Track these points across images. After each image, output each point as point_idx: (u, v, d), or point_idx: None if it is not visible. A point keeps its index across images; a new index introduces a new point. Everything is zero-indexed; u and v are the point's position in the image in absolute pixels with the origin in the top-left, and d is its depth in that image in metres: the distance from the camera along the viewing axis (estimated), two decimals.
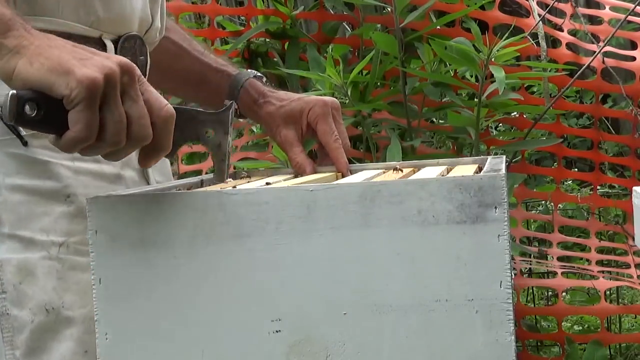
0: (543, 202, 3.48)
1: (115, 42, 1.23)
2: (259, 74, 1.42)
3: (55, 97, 0.84)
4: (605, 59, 2.82)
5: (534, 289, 3.48)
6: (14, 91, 0.83)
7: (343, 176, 1.27)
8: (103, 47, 1.20)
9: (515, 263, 2.70)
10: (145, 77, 1.31)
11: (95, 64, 0.85)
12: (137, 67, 0.90)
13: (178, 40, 1.49)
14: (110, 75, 0.85)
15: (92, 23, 1.18)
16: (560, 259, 2.99)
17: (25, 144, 1.14)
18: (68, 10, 1.14)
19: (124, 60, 0.88)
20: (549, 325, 3.34)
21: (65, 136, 0.86)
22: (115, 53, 1.22)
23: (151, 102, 0.90)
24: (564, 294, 3.25)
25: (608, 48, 2.82)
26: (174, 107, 0.94)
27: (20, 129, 1.13)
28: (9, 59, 0.87)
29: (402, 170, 1.23)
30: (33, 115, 0.84)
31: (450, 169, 1.20)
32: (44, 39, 0.89)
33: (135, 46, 1.28)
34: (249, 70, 1.43)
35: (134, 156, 1.25)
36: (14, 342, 1.13)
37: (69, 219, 1.16)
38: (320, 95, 2.46)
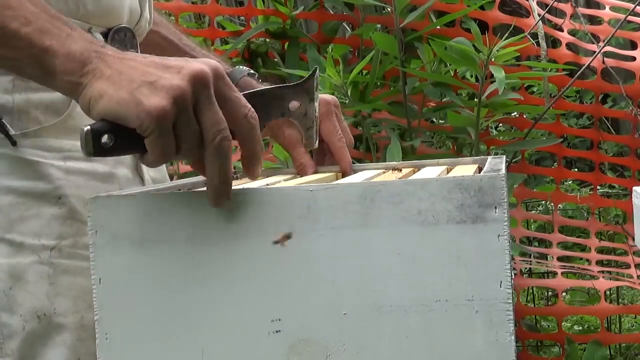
0: (543, 202, 3.49)
1: (105, 35, 1.21)
2: (252, 71, 1.41)
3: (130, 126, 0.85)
4: (605, 59, 2.82)
5: (534, 289, 3.48)
6: (88, 127, 0.84)
7: (344, 175, 1.27)
8: None
9: (515, 263, 2.70)
10: None
11: (164, 86, 0.84)
12: (219, 68, 0.88)
13: (167, 34, 1.48)
14: (179, 97, 0.84)
15: (81, 15, 1.16)
16: (560, 259, 2.99)
17: (14, 143, 1.11)
18: (56, 2, 1.11)
19: (197, 69, 0.86)
20: (549, 325, 3.34)
21: (147, 158, 0.87)
22: None
23: (232, 108, 0.88)
24: (564, 294, 3.25)
25: (608, 48, 2.83)
26: (255, 91, 0.93)
27: (9, 127, 1.10)
28: (84, 94, 0.88)
29: (401, 170, 1.23)
30: (110, 144, 0.85)
31: (450, 169, 1.20)
32: (117, 63, 0.88)
33: (126, 39, 1.26)
34: (242, 67, 1.41)
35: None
36: (4, 349, 1.10)
37: (60, 222, 1.13)
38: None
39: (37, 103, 1.14)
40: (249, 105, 0.89)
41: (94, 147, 0.85)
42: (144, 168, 1.28)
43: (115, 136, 0.85)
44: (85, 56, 0.89)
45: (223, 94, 0.88)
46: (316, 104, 1.13)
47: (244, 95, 0.92)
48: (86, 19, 1.18)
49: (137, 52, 1.30)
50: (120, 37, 1.25)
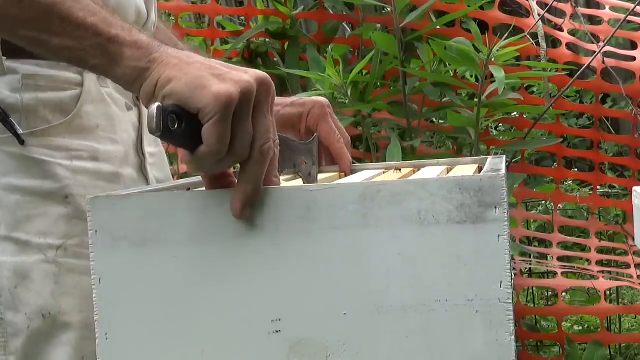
0: (543, 202, 3.48)
1: None
2: None
3: (192, 112, 0.85)
4: (605, 59, 2.82)
5: (534, 289, 3.48)
6: (159, 103, 0.85)
7: (345, 175, 1.27)
8: None
9: (515, 263, 2.70)
10: None
11: (233, 79, 0.86)
12: (273, 84, 0.89)
13: (164, 40, 1.48)
14: (246, 89, 0.85)
15: None
16: (560, 259, 2.99)
17: (22, 142, 1.11)
18: None
19: (262, 75, 0.88)
20: (549, 325, 3.34)
21: (199, 151, 0.86)
22: None
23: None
24: (564, 294, 3.25)
25: (608, 48, 2.83)
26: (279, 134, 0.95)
27: (17, 126, 1.11)
28: (152, 78, 0.89)
29: (401, 170, 1.23)
30: (175, 128, 0.85)
31: (450, 169, 1.20)
32: (183, 56, 0.90)
33: None
34: None
35: (132, 153, 1.25)
36: (9, 347, 1.11)
37: (66, 221, 1.14)
38: (320, 95, 2.47)
39: (46, 102, 1.14)
40: (276, 137, 0.91)
41: (163, 125, 0.84)
42: (149, 168, 1.29)
43: (179, 120, 0.85)
44: (152, 45, 0.91)
45: (270, 107, 0.90)
46: (316, 168, 1.17)
47: None
48: None
49: None
50: None
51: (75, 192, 1.14)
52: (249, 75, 0.87)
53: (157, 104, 0.84)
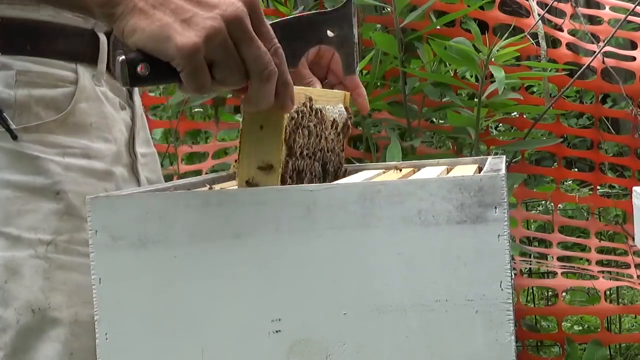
0: (543, 202, 3.48)
1: (108, 35, 1.22)
2: None
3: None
4: (605, 59, 2.82)
5: (534, 289, 3.48)
6: (123, 56, 0.85)
7: (361, 109, 1.26)
8: (96, 40, 1.20)
9: (515, 263, 2.70)
10: None
11: (197, 25, 0.85)
12: (253, 2, 0.88)
13: None
14: (211, 36, 0.85)
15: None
16: (560, 259, 2.99)
17: (15, 138, 1.11)
18: None
19: (232, 10, 0.87)
20: (549, 325, 3.34)
21: (184, 89, 0.88)
22: (108, 46, 1.22)
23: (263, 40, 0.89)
24: (564, 294, 3.25)
25: (608, 48, 2.83)
26: (291, 18, 0.93)
27: (10, 121, 1.11)
28: (117, 26, 0.88)
29: (401, 170, 1.23)
30: (147, 74, 0.86)
31: (450, 169, 1.20)
32: None
33: None
34: None
35: (124, 152, 1.25)
36: None
37: (58, 217, 1.13)
38: None
39: (39, 99, 1.14)
40: (276, 41, 0.90)
41: (130, 76, 0.85)
42: (140, 168, 1.29)
43: (151, 66, 0.86)
44: None
45: (260, 25, 0.89)
46: (355, 30, 1.13)
47: (281, 22, 0.92)
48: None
49: None
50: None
51: (67, 189, 1.14)
52: (215, 14, 0.86)
53: (121, 57, 0.85)
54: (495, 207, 0.86)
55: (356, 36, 1.12)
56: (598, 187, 3.18)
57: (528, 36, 2.73)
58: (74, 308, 1.13)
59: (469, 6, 2.70)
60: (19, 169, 1.12)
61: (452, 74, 2.78)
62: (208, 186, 1.08)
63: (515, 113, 3.01)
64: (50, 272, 1.12)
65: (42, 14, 1.13)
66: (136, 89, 1.33)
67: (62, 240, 1.14)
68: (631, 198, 1.51)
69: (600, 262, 2.99)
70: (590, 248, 3.02)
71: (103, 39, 1.21)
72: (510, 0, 3.31)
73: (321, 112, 1.10)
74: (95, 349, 1.06)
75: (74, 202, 1.14)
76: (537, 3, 2.91)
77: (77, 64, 1.18)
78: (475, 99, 2.48)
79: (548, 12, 2.96)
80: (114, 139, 1.23)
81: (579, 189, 4.22)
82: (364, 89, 1.27)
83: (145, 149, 1.33)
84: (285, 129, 0.97)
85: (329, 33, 1.08)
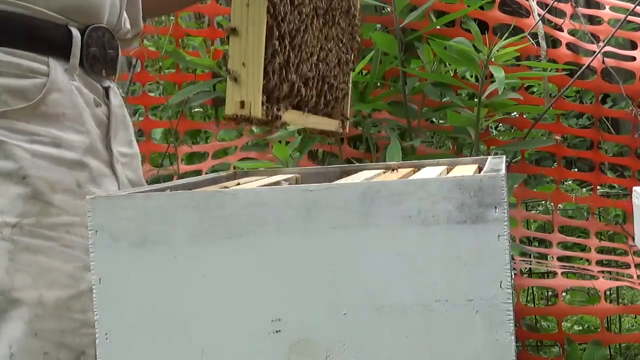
0: (543, 202, 3.48)
1: (82, 32, 1.25)
2: None
3: None
4: (605, 59, 2.82)
5: (534, 289, 3.48)
6: None
7: None
8: (69, 36, 1.22)
9: (515, 263, 2.70)
10: (116, 72, 1.35)
11: None
12: None
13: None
14: None
15: (58, 9, 1.20)
16: (560, 259, 2.99)
17: None
18: None
19: None
20: (549, 325, 3.34)
21: None
22: (82, 43, 1.24)
23: None
24: (564, 294, 3.25)
25: (608, 48, 2.82)
26: None
27: None
28: None
29: (400, 170, 1.23)
30: None
31: (450, 169, 1.20)
32: None
33: (104, 39, 1.29)
34: None
35: (100, 147, 1.26)
36: None
37: (24, 201, 1.16)
38: None
39: (5, 87, 1.17)
40: None
41: None
42: (118, 166, 1.30)
43: None
44: None
45: None
46: None
47: None
48: (62, 13, 1.22)
49: (118, 53, 1.34)
50: (97, 35, 1.28)
51: (33, 174, 1.16)
52: None
53: None
54: (495, 207, 0.86)
55: None
56: (598, 187, 3.18)
57: (528, 36, 2.73)
58: (39, 290, 1.15)
59: (469, 6, 2.70)
60: None
61: (452, 74, 2.78)
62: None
63: (515, 113, 3.01)
64: (15, 253, 1.15)
65: (17, 7, 1.15)
66: (113, 91, 1.35)
67: (28, 223, 1.16)
68: (631, 198, 1.51)
69: (600, 262, 2.98)
70: (590, 248, 3.02)
71: (76, 34, 1.23)
72: (510, 0, 3.31)
73: None
74: (61, 331, 1.08)
75: (40, 188, 1.17)
76: (537, 3, 2.91)
77: (49, 57, 1.21)
78: (475, 99, 2.48)
79: (548, 12, 2.96)
80: (87, 132, 1.25)
81: (579, 189, 4.22)
82: None
83: (126, 148, 1.36)
84: None
85: None
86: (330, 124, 1.43)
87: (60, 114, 1.21)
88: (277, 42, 1.09)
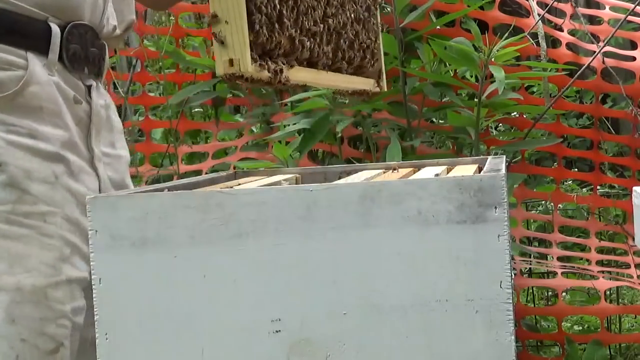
0: (543, 202, 3.48)
1: (62, 28, 1.24)
2: None
3: None
4: (605, 59, 2.82)
5: (534, 289, 3.48)
6: None
7: None
8: (49, 31, 1.22)
9: (515, 263, 2.70)
10: (101, 71, 1.32)
11: None
12: None
13: None
14: None
15: (37, 5, 1.20)
16: (560, 259, 2.99)
17: None
18: None
19: None
20: (549, 325, 3.34)
21: None
22: (61, 40, 1.24)
23: None
24: (564, 294, 3.25)
25: (608, 48, 2.82)
26: None
27: None
28: None
29: (400, 170, 1.23)
30: None
31: (450, 169, 1.20)
32: None
33: (87, 36, 1.29)
34: None
35: (80, 144, 1.26)
36: None
37: (0, 188, 1.16)
38: (320, 94, 2.47)
39: None
40: None
41: None
42: (99, 165, 1.30)
43: None
44: None
45: None
46: None
47: None
48: (42, 9, 1.22)
49: (103, 53, 1.34)
50: (79, 32, 1.27)
51: (10, 161, 1.17)
52: None
53: None
54: (495, 207, 0.86)
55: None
56: (598, 187, 3.18)
57: (528, 36, 2.73)
58: (16, 276, 1.16)
59: (469, 6, 2.70)
60: None
61: (452, 74, 2.78)
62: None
63: (515, 113, 3.01)
64: None
65: None
66: (97, 91, 1.33)
67: (4, 210, 1.17)
68: (631, 198, 1.51)
69: (600, 262, 2.98)
70: (590, 248, 3.02)
71: (56, 30, 1.23)
72: (510, 0, 3.31)
73: None
74: (40, 318, 1.09)
75: (16, 176, 1.18)
76: (537, 3, 2.91)
77: (27, 51, 1.21)
78: (475, 99, 2.48)
79: (548, 12, 2.96)
80: (66, 127, 1.25)
81: (579, 189, 4.22)
82: None
83: (109, 149, 1.35)
84: None
85: None
86: (362, 83, 1.39)
87: (38, 107, 1.21)
88: None
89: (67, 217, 1.21)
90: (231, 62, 1.01)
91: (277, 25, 1.10)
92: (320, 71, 1.24)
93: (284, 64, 1.12)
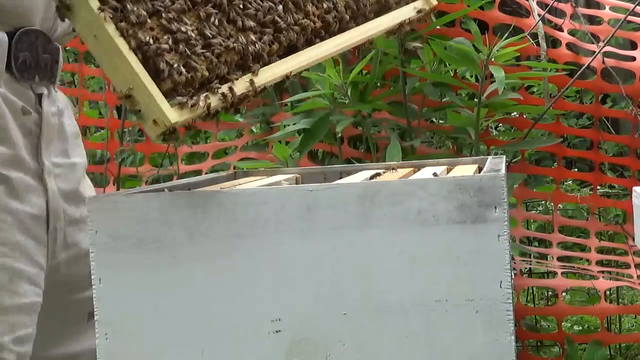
0: (543, 202, 3.48)
1: (10, 36, 1.18)
2: None
3: None
4: (605, 59, 2.82)
5: (534, 289, 3.48)
6: None
7: None
8: None
9: (515, 263, 2.70)
10: (54, 77, 1.25)
11: None
12: None
13: None
14: None
15: None
16: (560, 259, 2.99)
17: None
18: None
19: None
20: (549, 325, 3.34)
21: None
22: (9, 47, 1.17)
23: None
24: (564, 294, 3.25)
25: (608, 48, 2.82)
26: None
27: None
28: None
29: (399, 170, 1.23)
30: None
31: (450, 169, 1.20)
32: None
33: (37, 42, 1.22)
34: None
35: (26, 158, 1.21)
36: None
37: None
38: (320, 95, 2.47)
39: None
40: None
41: None
42: (48, 178, 1.25)
43: None
44: None
45: None
46: None
47: None
48: None
49: (56, 57, 1.27)
50: (29, 39, 1.20)
51: None
52: None
53: None
54: (495, 207, 0.86)
55: None
56: (598, 187, 3.18)
57: (528, 36, 2.73)
58: None
59: (469, 6, 2.70)
60: None
61: (452, 74, 2.78)
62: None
63: (515, 113, 3.01)
64: None
65: None
66: (48, 98, 1.27)
67: None
68: (631, 198, 1.51)
69: (600, 262, 2.98)
70: (590, 248, 3.02)
71: (3, 38, 1.17)
72: (510, 0, 3.31)
73: None
74: (9, 308, 1.08)
75: None
76: (537, 3, 2.91)
77: None
78: (475, 99, 2.48)
79: (548, 12, 2.96)
80: (10, 142, 1.19)
81: (579, 189, 4.22)
82: None
83: (61, 159, 1.29)
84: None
85: None
86: (400, 14, 1.26)
87: None
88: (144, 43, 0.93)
89: (4, 242, 1.16)
90: (155, 123, 0.92)
91: (188, 52, 0.97)
92: (318, 45, 1.11)
93: (237, 79, 1.00)
